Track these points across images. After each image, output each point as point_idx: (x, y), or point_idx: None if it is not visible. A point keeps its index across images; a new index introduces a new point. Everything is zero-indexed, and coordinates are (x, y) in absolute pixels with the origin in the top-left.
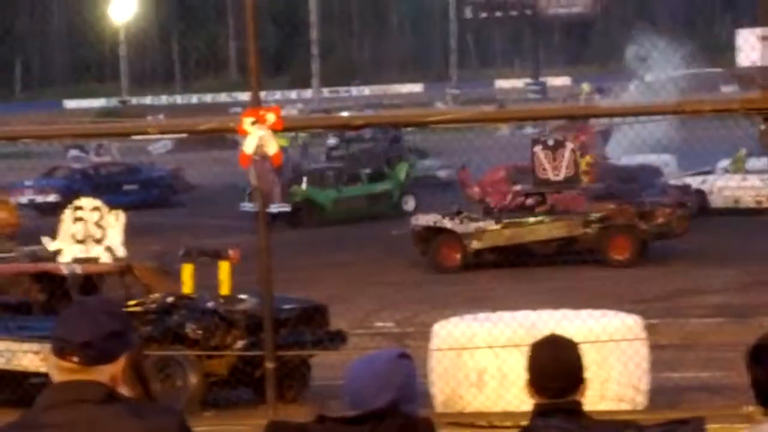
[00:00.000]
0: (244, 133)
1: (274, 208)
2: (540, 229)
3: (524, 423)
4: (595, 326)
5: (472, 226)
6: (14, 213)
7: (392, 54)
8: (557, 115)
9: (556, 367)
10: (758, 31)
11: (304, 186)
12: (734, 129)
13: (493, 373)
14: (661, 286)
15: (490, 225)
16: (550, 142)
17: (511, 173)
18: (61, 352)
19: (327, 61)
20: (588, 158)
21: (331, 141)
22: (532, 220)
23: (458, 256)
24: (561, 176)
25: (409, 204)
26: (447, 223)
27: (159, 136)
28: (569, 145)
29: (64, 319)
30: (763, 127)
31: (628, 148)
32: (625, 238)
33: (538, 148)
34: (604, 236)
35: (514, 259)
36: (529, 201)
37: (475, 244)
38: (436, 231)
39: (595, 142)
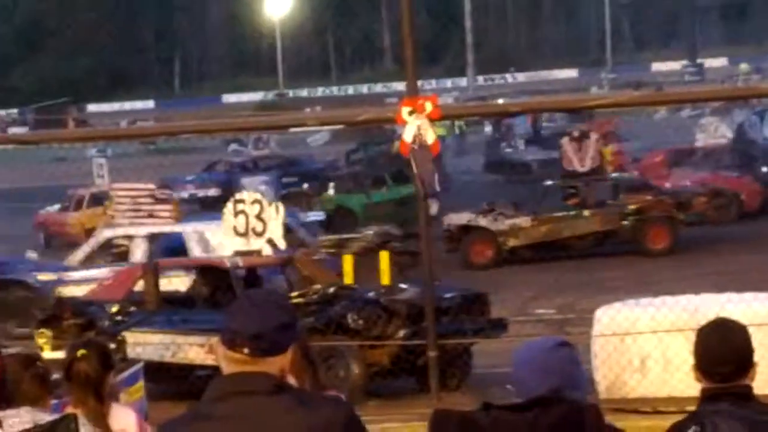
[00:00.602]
0: (403, 123)
1: (307, 217)
2: (577, 223)
3: (690, 408)
4: (760, 309)
5: (507, 223)
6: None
7: (547, 40)
8: (713, 96)
9: (724, 352)
10: None
11: (331, 192)
12: None
13: (656, 358)
14: None
15: (525, 221)
16: (576, 134)
17: (670, 157)
18: (231, 343)
19: (481, 49)
20: (611, 148)
21: (350, 145)
22: (568, 214)
23: (490, 253)
24: (587, 167)
25: (433, 207)
26: (481, 221)
27: (317, 128)
28: (594, 136)
29: (234, 311)
30: None
31: None
32: (663, 229)
33: (565, 141)
34: (641, 228)
35: (548, 255)
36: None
37: (511, 242)
38: (469, 229)
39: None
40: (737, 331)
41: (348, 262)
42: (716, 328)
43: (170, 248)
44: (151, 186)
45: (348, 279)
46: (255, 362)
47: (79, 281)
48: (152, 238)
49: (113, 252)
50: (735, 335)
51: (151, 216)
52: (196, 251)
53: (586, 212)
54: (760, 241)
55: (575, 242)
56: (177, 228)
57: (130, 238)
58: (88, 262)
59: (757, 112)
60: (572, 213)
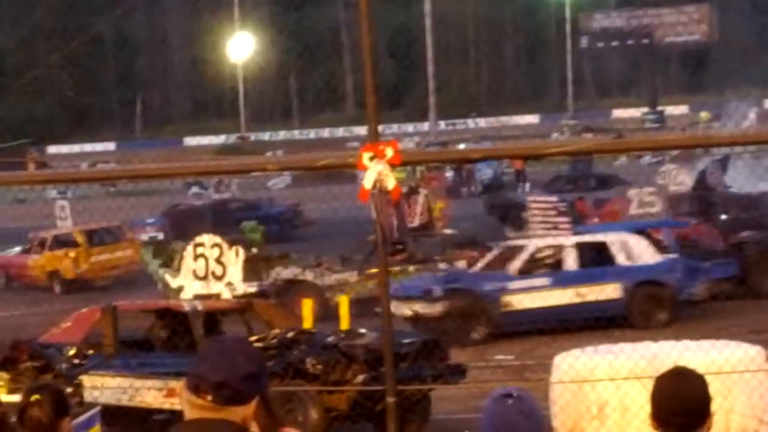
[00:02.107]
0: (364, 168)
1: None
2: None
3: None
4: (717, 357)
5: (333, 278)
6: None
7: (509, 85)
8: (675, 144)
9: (681, 402)
10: None
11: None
12: None
13: (614, 406)
14: None
15: (352, 276)
16: (404, 190)
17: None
18: (196, 389)
19: (443, 93)
20: (440, 204)
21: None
22: (395, 269)
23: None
24: (416, 223)
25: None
26: (308, 276)
27: (278, 172)
28: (422, 191)
29: (202, 357)
30: None
31: (749, 176)
32: None
33: None
34: None
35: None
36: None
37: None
38: (294, 283)
39: (445, 187)
40: (694, 381)
41: (307, 307)
42: (673, 378)
43: (595, 257)
44: (554, 198)
45: (307, 324)
46: (218, 410)
47: (522, 290)
48: (579, 246)
49: (546, 262)
50: (692, 385)
51: (555, 228)
52: (620, 258)
53: (412, 268)
54: None
55: None
56: (602, 238)
57: (559, 247)
58: (525, 271)
59: (719, 160)
60: (399, 268)
